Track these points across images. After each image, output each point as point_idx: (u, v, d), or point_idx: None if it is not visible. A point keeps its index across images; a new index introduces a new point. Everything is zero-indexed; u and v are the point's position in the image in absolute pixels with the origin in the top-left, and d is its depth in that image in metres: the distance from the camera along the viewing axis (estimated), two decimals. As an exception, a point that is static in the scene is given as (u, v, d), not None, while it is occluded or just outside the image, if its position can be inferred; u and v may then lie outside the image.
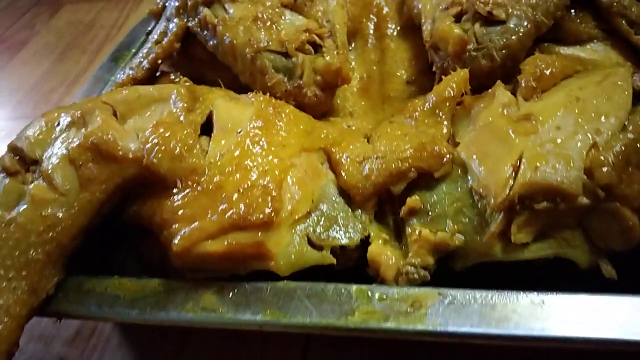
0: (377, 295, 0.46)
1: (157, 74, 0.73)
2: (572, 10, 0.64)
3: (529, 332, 0.42)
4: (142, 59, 0.70)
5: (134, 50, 0.86)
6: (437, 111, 0.55)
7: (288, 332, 0.58)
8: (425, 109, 0.56)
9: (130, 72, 0.70)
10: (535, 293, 0.43)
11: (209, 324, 0.48)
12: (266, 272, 0.49)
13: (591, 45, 0.64)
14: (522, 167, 0.46)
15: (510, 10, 0.58)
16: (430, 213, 0.50)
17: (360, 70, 0.70)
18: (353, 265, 0.52)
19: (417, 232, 0.49)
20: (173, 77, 0.72)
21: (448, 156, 0.51)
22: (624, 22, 0.63)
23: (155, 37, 0.71)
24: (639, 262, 0.47)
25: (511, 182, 0.46)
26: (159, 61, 0.70)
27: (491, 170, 0.48)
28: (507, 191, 0.46)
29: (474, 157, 0.50)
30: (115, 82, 0.72)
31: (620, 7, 0.63)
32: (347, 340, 0.61)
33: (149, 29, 0.86)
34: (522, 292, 0.44)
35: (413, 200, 0.50)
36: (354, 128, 0.62)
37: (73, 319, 0.64)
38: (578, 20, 0.64)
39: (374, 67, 0.70)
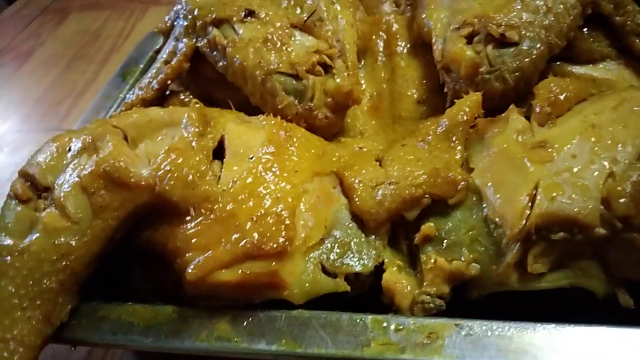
0: (393, 326, 0.45)
1: (167, 93, 0.72)
2: (585, 29, 0.64)
3: (545, 366, 0.41)
4: (151, 79, 0.70)
5: (142, 66, 0.86)
6: (450, 136, 0.55)
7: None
8: (438, 133, 0.55)
9: (140, 92, 0.69)
10: (553, 325, 0.43)
11: (224, 353, 0.48)
12: (280, 299, 0.49)
13: (604, 64, 0.64)
14: (538, 196, 0.46)
15: (523, 32, 0.58)
16: (445, 241, 0.50)
17: (370, 89, 0.70)
18: (367, 292, 0.52)
19: (432, 261, 0.49)
20: (182, 96, 0.71)
21: (463, 183, 0.50)
22: (637, 40, 0.62)
23: (164, 56, 0.70)
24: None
25: (527, 212, 0.46)
26: (169, 81, 0.69)
27: (507, 199, 0.47)
28: (524, 221, 0.46)
29: (489, 184, 0.49)
30: (124, 101, 0.72)
31: (634, 26, 0.62)
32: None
33: (157, 47, 0.86)
34: (539, 324, 0.43)
35: (428, 227, 0.50)
36: (365, 150, 0.62)
37: (87, 347, 0.64)
38: (591, 39, 0.64)
39: (384, 86, 0.70)
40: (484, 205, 0.49)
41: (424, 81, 0.68)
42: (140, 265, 0.61)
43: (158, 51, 0.78)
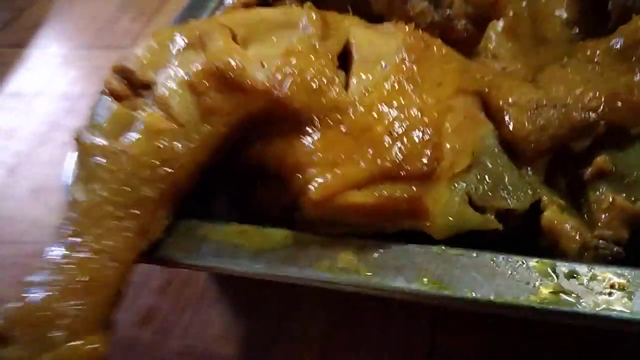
0: (564, 271, 0.37)
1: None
2: None
3: None
4: (253, -19, 0.62)
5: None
6: (628, 55, 0.45)
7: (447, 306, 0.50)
8: (611, 51, 0.46)
9: (242, -6, 0.61)
10: None
11: (351, 287, 0.40)
12: (414, 233, 0.42)
13: None
14: None
15: None
16: (625, 177, 0.41)
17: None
18: (510, 235, 0.44)
19: (609, 200, 0.40)
20: (289, 3, 0.63)
21: (650, 109, 0.41)
22: None
23: (270, -45, 0.62)
24: None
25: None
26: (275, -17, 0.61)
27: None
28: None
29: (687, 112, 0.40)
30: (223, 5, 0.64)
31: None
32: (476, 322, 0.53)
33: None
34: None
35: (603, 161, 0.41)
36: (509, 70, 0.53)
37: (186, 269, 0.58)
38: None
39: (523, 4, 0.59)
40: (678, 138, 0.40)
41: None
42: (230, 192, 0.54)
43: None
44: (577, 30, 0.56)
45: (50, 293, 0.37)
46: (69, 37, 1.08)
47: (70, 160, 0.50)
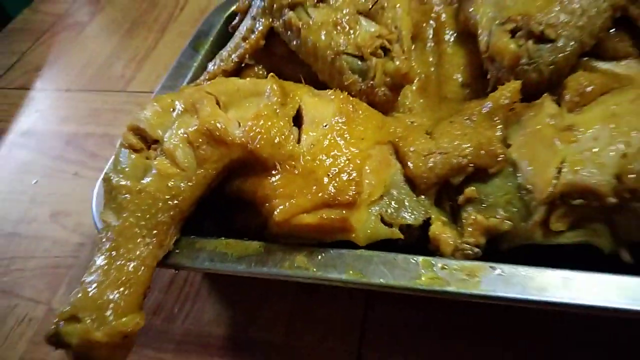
0: (439, 265, 0.57)
1: (242, 65, 0.83)
2: (612, 30, 0.74)
3: (560, 300, 0.53)
4: (230, 53, 0.81)
5: (211, 39, 0.97)
6: (492, 116, 0.65)
7: (363, 289, 0.71)
8: (482, 113, 0.66)
9: (221, 64, 0.80)
10: (567, 270, 0.55)
11: (302, 279, 0.60)
12: (346, 242, 0.61)
13: (626, 62, 0.73)
14: (564, 169, 0.57)
15: (559, 31, 0.68)
16: (484, 202, 0.61)
17: (419, 71, 0.80)
18: (415, 242, 0.64)
19: (472, 218, 0.60)
20: (256, 69, 0.82)
21: (502, 156, 0.61)
22: (657, 43, 0.72)
23: (243, 33, 0.81)
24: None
25: (554, 181, 0.57)
26: (246, 56, 0.80)
27: (538, 171, 0.58)
28: (551, 189, 0.57)
29: (524, 158, 0.60)
30: (207, 70, 0.83)
31: (655, 30, 0.72)
32: (403, 299, 0.73)
33: (222, 20, 0.97)
34: (556, 270, 0.55)
35: (471, 191, 0.61)
36: (416, 124, 0.73)
37: (188, 271, 0.76)
38: (617, 39, 0.73)
39: (432, 69, 0.80)
40: (519, 175, 0.60)
41: (468, 67, 0.78)
42: (215, 217, 0.73)
43: (228, 23, 0.89)
44: (469, 91, 0.77)
45: (102, 288, 0.56)
46: (68, 81, 1.25)
47: (97, 195, 0.68)
